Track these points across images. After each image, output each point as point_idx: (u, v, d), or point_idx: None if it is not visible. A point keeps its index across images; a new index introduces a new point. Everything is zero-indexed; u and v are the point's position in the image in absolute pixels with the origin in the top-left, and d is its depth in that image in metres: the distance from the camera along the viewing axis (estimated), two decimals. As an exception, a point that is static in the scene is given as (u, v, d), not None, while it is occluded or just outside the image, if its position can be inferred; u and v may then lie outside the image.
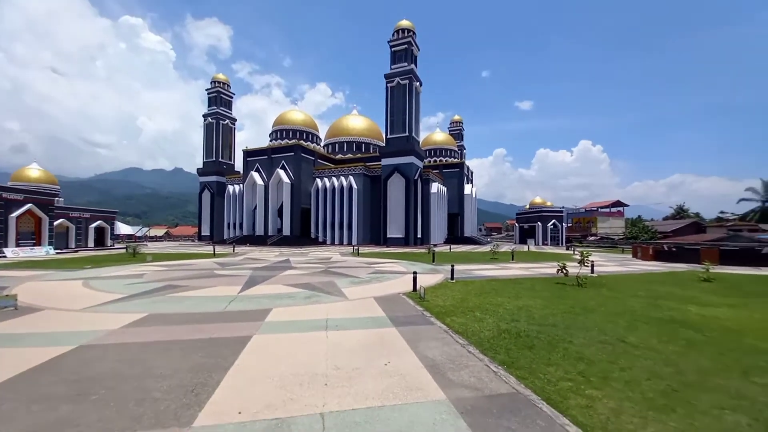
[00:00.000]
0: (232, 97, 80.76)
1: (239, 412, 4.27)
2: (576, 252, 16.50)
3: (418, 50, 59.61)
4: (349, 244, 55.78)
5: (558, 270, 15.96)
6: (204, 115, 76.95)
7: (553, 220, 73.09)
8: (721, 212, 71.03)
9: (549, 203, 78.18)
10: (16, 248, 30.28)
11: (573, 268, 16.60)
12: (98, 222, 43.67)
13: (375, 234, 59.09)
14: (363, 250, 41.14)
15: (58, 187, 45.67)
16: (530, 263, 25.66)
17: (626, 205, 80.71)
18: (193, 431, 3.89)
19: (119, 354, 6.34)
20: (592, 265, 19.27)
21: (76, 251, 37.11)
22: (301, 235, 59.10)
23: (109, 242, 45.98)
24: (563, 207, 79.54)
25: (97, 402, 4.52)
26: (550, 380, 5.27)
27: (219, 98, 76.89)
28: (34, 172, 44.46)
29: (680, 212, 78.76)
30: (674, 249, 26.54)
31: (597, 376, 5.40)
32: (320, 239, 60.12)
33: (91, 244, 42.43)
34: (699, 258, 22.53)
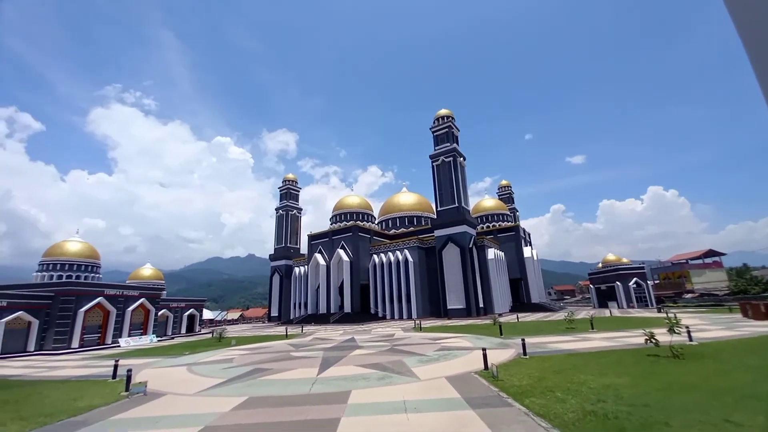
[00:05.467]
0: (299, 191, 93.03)
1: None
2: (669, 315, 14.88)
3: (458, 131, 64.92)
4: (409, 317, 54.66)
5: (646, 340, 14.46)
6: (276, 209, 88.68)
7: (635, 279, 64.81)
8: None
9: (625, 260, 70.41)
10: (128, 338, 35.41)
11: (665, 336, 14.90)
12: (190, 310, 49.60)
13: (434, 306, 57.50)
14: (424, 323, 40.16)
15: (164, 281, 54.15)
16: (614, 332, 23.05)
17: (722, 254, 69.22)
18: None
19: (238, 434, 7.54)
20: (689, 331, 16.98)
21: (173, 338, 41.93)
22: (362, 311, 59.62)
23: (197, 328, 51.16)
24: (644, 262, 70.79)
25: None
26: (643, 465, 5.21)
27: (289, 193, 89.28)
28: (147, 270, 53.91)
29: (800, 256, 65.08)
30: (798, 306, 22.08)
31: (696, 462, 5.20)
32: (380, 314, 59.87)
33: (183, 330, 47.68)
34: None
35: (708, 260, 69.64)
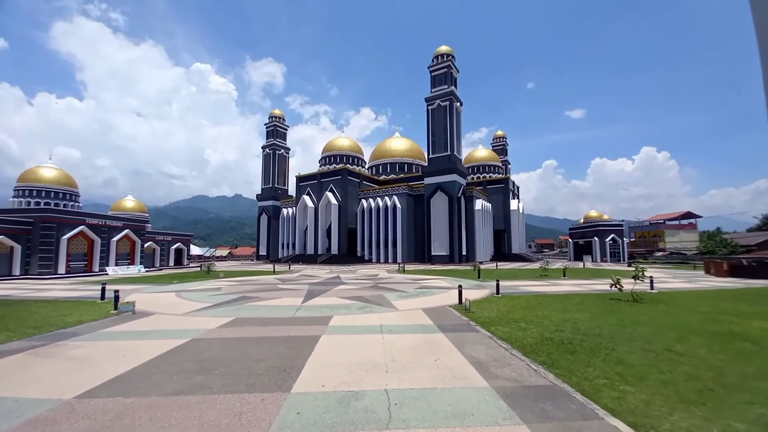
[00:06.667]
0: (286, 129, 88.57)
1: (323, 385, 5.53)
2: (639, 268, 15.76)
3: (458, 72, 61.04)
4: (395, 262, 56.88)
5: (611, 285, 15.50)
6: (263, 147, 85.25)
7: (612, 235, 67.88)
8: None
9: (606, 216, 72.94)
10: (116, 267, 35.99)
11: (630, 285, 15.97)
12: (177, 244, 50.23)
13: (419, 252, 59.66)
14: (408, 267, 41.97)
15: (148, 214, 53.80)
16: (584, 280, 24.67)
17: (698, 217, 72.35)
18: (292, 396, 5.20)
19: (223, 345, 8.04)
20: (652, 281, 18.27)
21: (161, 269, 42.92)
22: (348, 254, 61.57)
23: (185, 261, 52.29)
24: (623, 220, 73.62)
25: (218, 375, 6.07)
26: (587, 378, 5.83)
27: (276, 131, 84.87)
28: (129, 202, 53.20)
29: (767, 222, 68.68)
30: (754, 264, 23.82)
31: (634, 377, 5.84)
32: (366, 257, 62.04)
33: (171, 263, 48.75)
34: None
35: (684, 222, 72.82)
